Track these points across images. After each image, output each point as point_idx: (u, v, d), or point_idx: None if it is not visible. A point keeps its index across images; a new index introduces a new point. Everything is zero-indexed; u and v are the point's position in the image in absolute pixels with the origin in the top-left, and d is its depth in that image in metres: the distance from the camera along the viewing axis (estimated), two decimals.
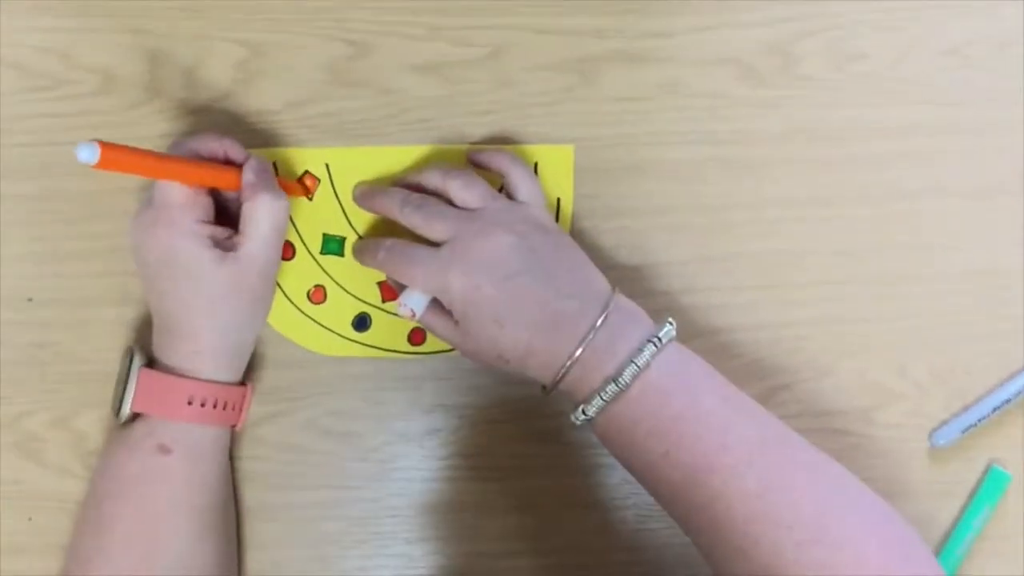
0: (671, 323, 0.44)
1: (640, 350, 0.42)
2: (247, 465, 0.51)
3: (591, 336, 0.42)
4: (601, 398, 0.42)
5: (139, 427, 0.45)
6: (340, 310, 0.52)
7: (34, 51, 0.50)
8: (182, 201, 0.44)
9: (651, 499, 0.44)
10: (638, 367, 0.42)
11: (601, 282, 0.46)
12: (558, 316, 0.43)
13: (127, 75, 0.50)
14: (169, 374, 0.45)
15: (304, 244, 0.51)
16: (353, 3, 0.50)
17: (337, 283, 0.52)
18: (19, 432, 0.51)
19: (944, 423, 0.53)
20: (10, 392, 0.50)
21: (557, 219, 0.51)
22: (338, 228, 0.51)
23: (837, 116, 0.52)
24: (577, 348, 0.42)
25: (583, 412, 0.43)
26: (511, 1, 0.50)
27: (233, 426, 0.48)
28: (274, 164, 0.50)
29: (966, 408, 0.53)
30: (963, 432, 0.52)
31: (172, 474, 0.45)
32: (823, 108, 0.52)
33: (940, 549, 0.52)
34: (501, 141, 0.51)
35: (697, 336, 0.52)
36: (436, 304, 0.47)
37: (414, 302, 0.47)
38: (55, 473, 0.51)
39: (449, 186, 0.47)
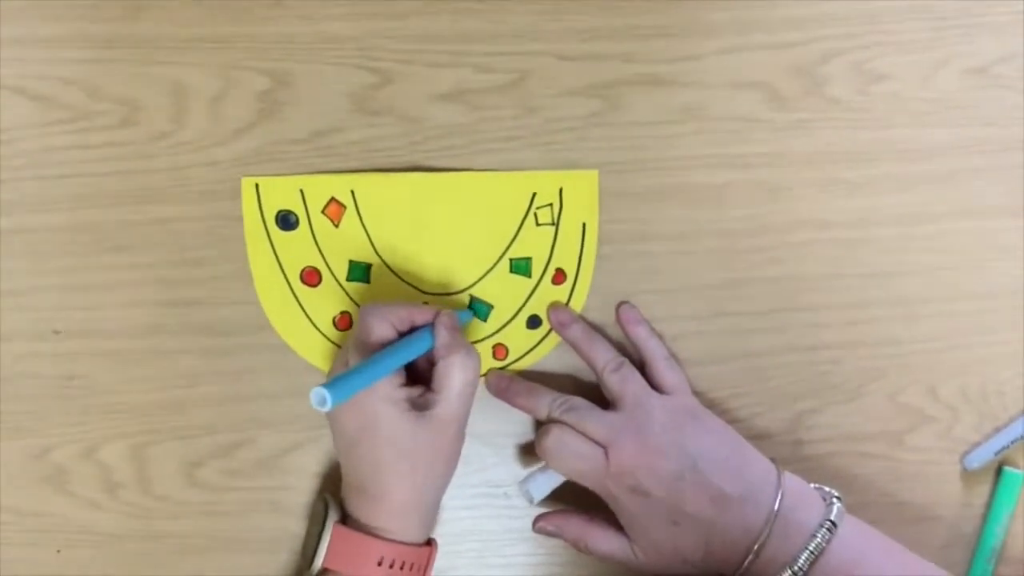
0: (838, 499, 0.45)
1: (814, 535, 0.43)
2: (273, 495, 0.51)
3: (767, 531, 0.43)
4: None
5: None
6: None
7: (58, 83, 0.50)
8: None
9: None
10: (815, 553, 0.42)
11: (764, 464, 0.46)
12: (732, 509, 0.44)
13: (152, 106, 0.50)
14: (361, 532, 0.44)
15: (330, 271, 0.51)
16: (376, 32, 0.50)
17: None
18: (47, 464, 0.50)
19: (976, 445, 0.52)
20: (37, 424, 0.50)
21: (583, 245, 0.51)
22: (364, 255, 0.51)
23: (863, 138, 0.51)
24: (754, 543, 0.43)
25: None
26: (535, 27, 0.50)
27: None
28: (301, 191, 0.50)
29: (998, 430, 0.52)
30: (996, 455, 0.52)
31: None
32: (849, 130, 0.51)
33: (970, 564, 0.52)
34: (526, 167, 0.51)
35: (725, 360, 0.52)
36: (596, 524, 0.48)
37: (538, 488, 0.49)
38: (83, 505, 0.50)
39: (608, 380, 0.48)
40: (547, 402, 0.48)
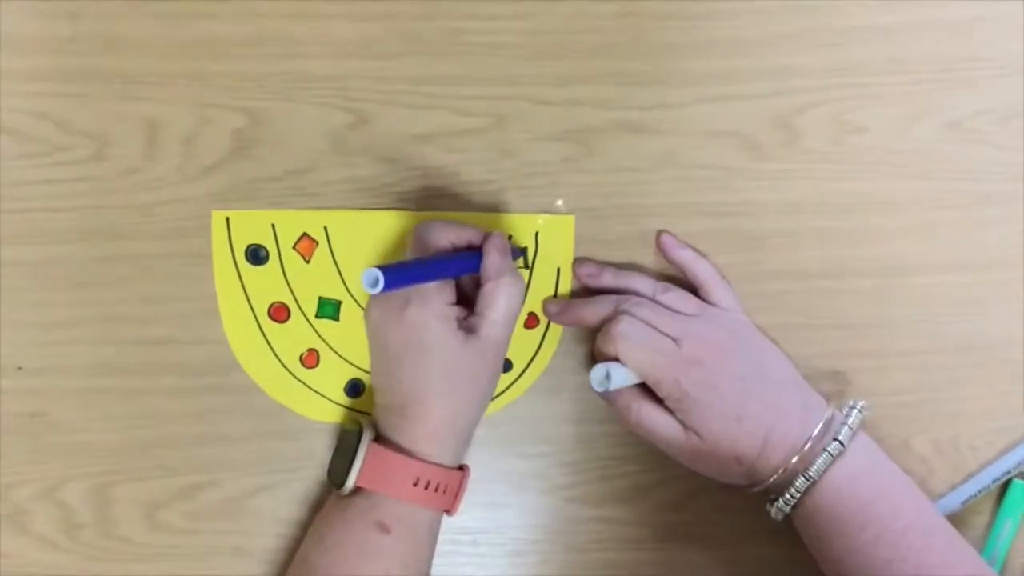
0: (862, 409, 0.46)
1: (834, 438, 0.44)
2: (236, 540, 0.50)
3: (816, 435, 0.45)
4: (798, 490, 0.45)
5: (360, 502, 0.45)
6: (333, 375, 0.51)
7: (30, 116, 0.49)
8: (435, 284, 0.44)
9: None
10: (832, 456, 0.44)
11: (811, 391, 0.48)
12: (793, 416, 0.45)
13: (124, 141, 0.49)
14: (397, 452, 0.44)
15: (299, 307, 0.50)
16: (353, 72, 0.49)
17: (331, 347, 0.51)
18: (7, 504, 0.49)
19: (943, 495, 0.52)
20: None
21: (556, 290, 0.51)
22: (334, 292, 0.50)
23: (839, 189, 0.51)
24: (804, 443, 0.45)
25: (785, 504, 0.45)
26: (512, 72, 0.50)
27: (447, 510, 0.47)
28: (272, 226, 0.50)
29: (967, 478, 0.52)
30: (963, 503, 0.52)
31: (388, 553, 0.44)
32: (825, 181, 0.51)
33: None
34: (501, 211, 0.50)
35: None
36: (650, 397, 0.47)
37: (621, 378, 0.46)
38: (42, 546, 0.49)
39: (663, 299, 0.48)
40: (612, 301, 0.48)
